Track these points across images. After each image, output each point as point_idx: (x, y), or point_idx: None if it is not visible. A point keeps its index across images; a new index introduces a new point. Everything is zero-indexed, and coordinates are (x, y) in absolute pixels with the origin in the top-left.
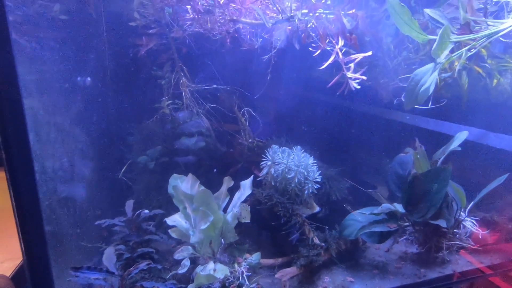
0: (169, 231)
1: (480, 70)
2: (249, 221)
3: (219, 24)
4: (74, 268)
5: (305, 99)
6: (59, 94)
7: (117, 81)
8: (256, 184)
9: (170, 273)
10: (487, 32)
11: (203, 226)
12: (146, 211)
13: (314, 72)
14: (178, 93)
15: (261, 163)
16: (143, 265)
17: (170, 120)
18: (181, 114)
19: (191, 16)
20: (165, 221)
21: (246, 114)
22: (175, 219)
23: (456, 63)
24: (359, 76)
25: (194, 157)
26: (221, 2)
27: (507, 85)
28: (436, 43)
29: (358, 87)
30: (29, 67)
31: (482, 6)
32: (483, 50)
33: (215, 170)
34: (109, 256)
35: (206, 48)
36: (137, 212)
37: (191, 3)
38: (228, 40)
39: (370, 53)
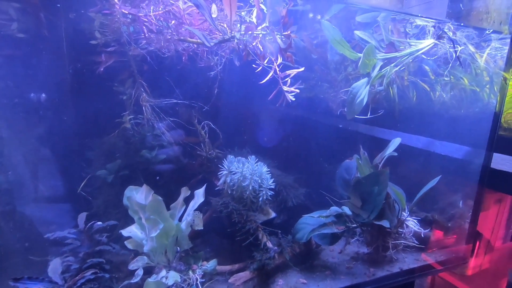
0: (125, 242)
1: (406, 82)
2: (201, 228)
3: (167, 43)
4: (14, 279)
5: (263, 112)
6: (16, 109)
7: (78, 98)
8: (215, 193)
9: (123, 283)
10: (409, 50)
11: (153, 234)
12: (99, 222)
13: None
14: (139, 108)
15: (218, 173)
16: (89, 274)
17: (131, 134)
18: (141, 128)
19: (147, 35)
20: (121, 233)
21: (205, 127)
22: (131, 230)
23: (387, 80)
24: (294, 90)
25: (154, 170)
26: (170, 24)
27: (447, 98)
28: (361, 59)
29: (294, 99)
30: None
31: (403, 30)
32: (426, 67)
33: (174, 181)
34: (54, 267)
35: (165, 65)
36: (89, 224)
37: (146, 24)
38: (184, 58)
39: (302, 68)
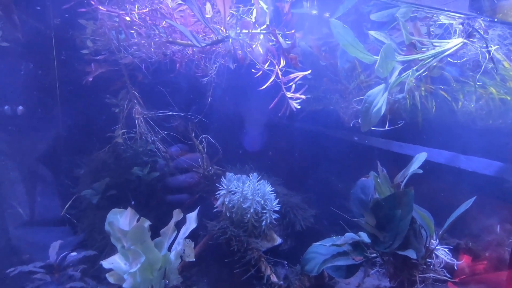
0: (107, 275)
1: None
2: (193, 259)
3: (156, 48)
4: None
5: (268, 124)
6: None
7: (67, 109)
8: (214, 216)
9: None
10: (433, 51)
11: (134, 269)
12: (74, 253)
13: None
14: (131, 122)
15: (216, 193)
16: None
17: (123, 149)
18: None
19: (136, 40)
20: (101, 264)
21: (204, 141)
22: (113, 261)
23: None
24: (299, 96)
25: (146, 189)
26: (161, 26)
27: (471, 107)
28: (378, 61)
29: (298, 107)
30: None
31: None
32: (447, 74)
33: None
34: None
35: (158, 74)
36: (61, 256)
37: (134, 27)
38: (178, 66)
39: (308, 72)
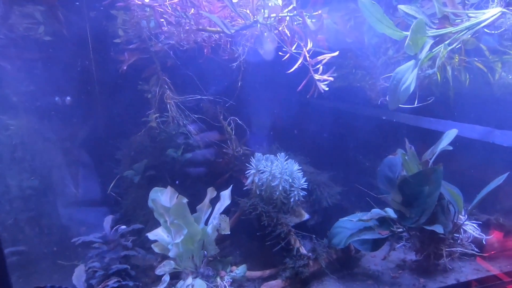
0: (152, 245)
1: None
2: (228, 232)
3: (186, 35)
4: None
5: (293, 104)
6: (45, 112)
7: (105, 97)
8: (243, 194)
9: None
10: (467, 23)
11: (178, 240)
12: (124, 226)
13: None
14: (164, 106)
15: (246, 172)
16: (112, 282)
17: (157, 133)
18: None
19: (166, 29)
20: (147, 236)
21: (232, 123)
22: (157, 233)
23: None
24: (327, 78)
25: (181, 169)
26: (189, 13)
27: (510, 79)
28: (408, 37)
29: (327, 88)
30: (15, 87)
31: None
32: (482, 45)
33: (201, 180)
34: (78, 274)
35: (187, 60)
36: (115, 228)
37: (164, 16)
38: (206, 51)
39: (336, 53)
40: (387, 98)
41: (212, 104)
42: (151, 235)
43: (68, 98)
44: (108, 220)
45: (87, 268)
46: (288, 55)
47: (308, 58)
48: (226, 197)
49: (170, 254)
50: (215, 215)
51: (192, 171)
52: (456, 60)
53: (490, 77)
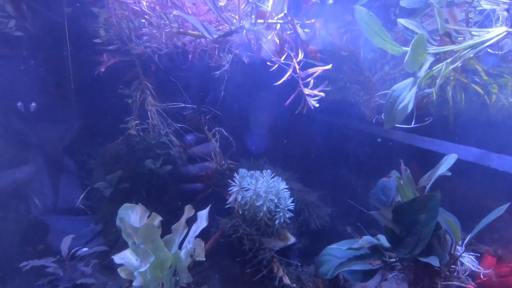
0: (118, 270)
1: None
2: (203, 259)
3: (167, 39)
4: None
5: (283, 116)
6: (12, 113)
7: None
8: (226, 212)
9: None
10: (471, 42)
11: (143, 268)
12: (85, 248)
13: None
14: (144, 113)
15: (229, 189)
16: None
17: (136, 142)
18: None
19: (147, 30)
20: (113, 259)
21: (217, 134)
22: (124, 256)
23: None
24: (317, 93)
25: (158, 182)
26: (171, 15)
27: (506, 101)
28: (408, 54)
29: (317, 105)
30: None
31: (464, 16)
32: (478, 66)
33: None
34: None
35: (172, 66)
36: (73, 251)
37: (146, 16)
38: (190, 56)
39: (329, 66)
40: (382, 116)
41: (196, 113)
42: (117, 258)
43: (33, 104)
44: (66, 240)
45: None
46: (276, 65)
47: (298, 71)
48: (203, 218)
49: (135, 283)
50: (190, 238)
51: (170, 185)
52: (455, 78)
53: (487, 99)
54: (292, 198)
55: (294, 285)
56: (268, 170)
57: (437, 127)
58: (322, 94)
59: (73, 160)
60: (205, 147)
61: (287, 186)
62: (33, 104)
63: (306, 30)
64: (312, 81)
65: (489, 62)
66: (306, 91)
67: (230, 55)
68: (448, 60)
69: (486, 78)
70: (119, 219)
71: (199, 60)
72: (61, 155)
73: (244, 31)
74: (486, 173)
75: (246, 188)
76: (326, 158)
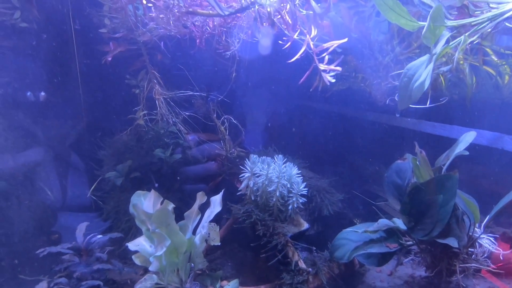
0: (133, 257)
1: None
2: (219, 243)
3: (173, 19)
4: None
5: (293, 104)
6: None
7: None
8: (237, 199)
9: None
10: (489, 14)
11: (159, 252)
12: (100, 235)
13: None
14: (152, 103)
15: (240, 175)
16: None
17: (144, 131)
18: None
19: (153, 15)
20: (127, 246)
21: (226, 122)
22: (139, 243)
23: (459, 54)
24: (334, 68)
25: (169, 171)
26: None
27: None
28: (426, 26)
29: (333, 80)
30: None
31: None
32: (488, 49)
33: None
34: None
35: (180, 53)
36: (88, 238)
37: (152, 0)
38: (198, 41)
39: (345, 39)
40: (396, 98)
41: (204, 101)
42: (131, 245)
43: (43, 94)
44: (81, 227)
45: (51, 285)
46: (289, 43)
47: (312, 46)
48: (216, 203)
49: (151, 268)
50: (204, 223)
51: (181, 174)
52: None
53: (499, 80)
54: (305, 183)
55: (310, 269)
56: (280, 155)
57: (449, 111)
58: (338, 68)
59: (83, 151)
60: (211, 147)
61: (299, 171)
62: (43, 93)
63: (319, 4)
64: (327, 57)
65: (502, 42)
66: (322, 66)
67: (237, 40)
68: (467, 34)
69: (497, 61)
70: (132, 205)
71: (206, 46)
72: (70, 145)
73: (257, 6)
74: (500, 155)
75: (257, 174)
76: (336, 145)
